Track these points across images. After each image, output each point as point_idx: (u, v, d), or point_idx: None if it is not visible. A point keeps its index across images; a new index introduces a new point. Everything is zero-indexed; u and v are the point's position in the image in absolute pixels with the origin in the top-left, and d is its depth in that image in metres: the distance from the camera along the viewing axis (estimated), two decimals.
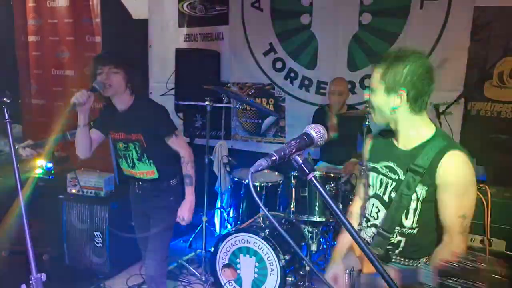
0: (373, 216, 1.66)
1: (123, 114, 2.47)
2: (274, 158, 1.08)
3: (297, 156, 1.11)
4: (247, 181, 3.39)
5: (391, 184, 1.59)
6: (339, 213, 1.07)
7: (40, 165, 3.64)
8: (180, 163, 2.54)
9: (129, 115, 2.45)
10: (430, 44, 3.67)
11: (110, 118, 2.50)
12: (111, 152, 2.66)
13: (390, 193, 1.59)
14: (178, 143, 2.53)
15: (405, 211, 1.54)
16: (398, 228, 1.57)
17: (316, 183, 1.09)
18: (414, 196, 1.51)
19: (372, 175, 1.68)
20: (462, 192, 1.45)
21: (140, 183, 2.57)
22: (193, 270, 3.50)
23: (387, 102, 1.52)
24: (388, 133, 1.67)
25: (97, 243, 3.44)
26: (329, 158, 3.77)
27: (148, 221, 2.61)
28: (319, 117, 3.73)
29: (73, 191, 3.54)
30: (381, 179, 1.64)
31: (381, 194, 1.63)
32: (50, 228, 3.59)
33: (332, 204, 1.07)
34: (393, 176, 1.58)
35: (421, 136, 1.54)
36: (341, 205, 3.16)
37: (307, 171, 1.10)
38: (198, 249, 3.73)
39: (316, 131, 1.15)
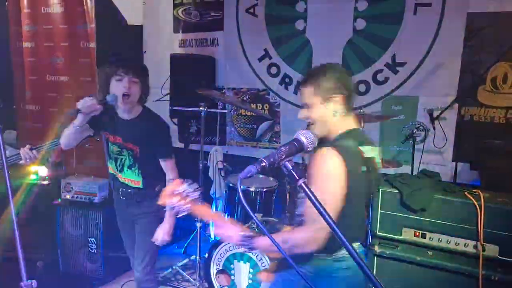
0: None
1: (125, 121, 2.42)
2: (264, 164, 1.10)
3: (287, 162, 1.11)
4: (242, 186, 3.37)
5: None
6: (328, 218, 1.06)
7: (34, 171, 3.63)
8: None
9: (131, 125, 2.41)
10: (424, 49, 3.69)
11: (108, 120, 2.45)
12: (104, 149, 2.60)
13: None
14: (171, 167, 2.49)
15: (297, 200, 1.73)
16: (296, 214, 1.73)
17: (306, 189, 1.09)
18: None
19: None
20: (313, 182, 1.52)
21: (124, 189, 2.53)
22: (188, 276, 3.49)
23: (326, 111, 1.69)
24: None
25: (91, 249, 3.43)
26: None
27: (133, 226, 2.58)
28: None
29: (67, 197, 3.53)
30: None
31: None
32: (44, 234, 3.57)
33: (322, 210, 1.07)
34: None
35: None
36: None
37: (297, 177, 1.09)
38: (192, 255, 3.72)
39: (306, 137, 1.15)
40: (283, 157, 1.11)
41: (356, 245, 1.76)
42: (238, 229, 1.60)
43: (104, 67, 2.37)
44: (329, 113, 1.68)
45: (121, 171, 2.50)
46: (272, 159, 1.10)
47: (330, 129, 1.70)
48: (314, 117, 1.71)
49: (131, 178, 2.49)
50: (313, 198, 1.09)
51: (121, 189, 2.54)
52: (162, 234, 2.44)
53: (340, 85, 1.67)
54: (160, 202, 1.66)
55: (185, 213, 1.63)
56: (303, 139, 1.16)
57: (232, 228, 1.61)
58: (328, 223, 1.06)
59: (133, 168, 2.46)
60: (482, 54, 3.51)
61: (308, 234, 1.53)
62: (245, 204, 1.07)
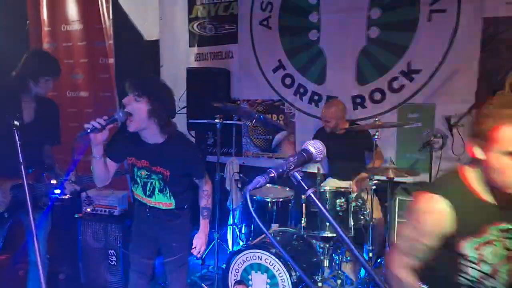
0: None
1: (151, 145, 2.28)
2: (272, 174, 1.07)
3: (295, 172, 1.09)
4: (258, 197, 3.38)
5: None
6: (338, 228, 1.07)
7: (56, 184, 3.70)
8: (191, 189, 2.49)
9: (158, 149, 2.28)
10: (440, 55, 3.66)
11: (132, 145, 2.31)
12: (129, 176, 2.52)
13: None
14: (205, 181, 2.49)
15: None
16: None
17: (315, 199, 1.08)
18: None
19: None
20: None
21: (152, 209, 2.44)
22: (206, 287, 3.48)
23: None
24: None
25: (111, 261, 3.46)
26: (336, 173, 3.74)
27: (154, 244, 2.54)
28: (320, 136, 3.74)
29: (88, 210, 3.59)
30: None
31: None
32: (65, 247, 3.62)
33: (331, 220, 1.07)
34: None
35: None
36: (352, 221, 3.10)
37: (306, 188, 1.08)
38: (210, 265, 3.72)
39: (315, 147, 1.14)
40: (292, 167, 1.08)
41: None
42: None
43: (124, 84, 2.23)
44: None
45: (150, 196, 2.39)
46: (281, 170, 1.07)
47: None
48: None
49: (163, 201, 2.40)
50: (323, 209, 1.08)
51: (148, 209, 2.44)
52: (200, 245, 2.46)
53: None
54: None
55: None
56: (312, 149, 1.13)
57: None
58: (342, 238, 1.06)
59: (164, 192, 2.38)
60: (499, 59, 3.47)
61: None
62: (254, 215, 1.11)
